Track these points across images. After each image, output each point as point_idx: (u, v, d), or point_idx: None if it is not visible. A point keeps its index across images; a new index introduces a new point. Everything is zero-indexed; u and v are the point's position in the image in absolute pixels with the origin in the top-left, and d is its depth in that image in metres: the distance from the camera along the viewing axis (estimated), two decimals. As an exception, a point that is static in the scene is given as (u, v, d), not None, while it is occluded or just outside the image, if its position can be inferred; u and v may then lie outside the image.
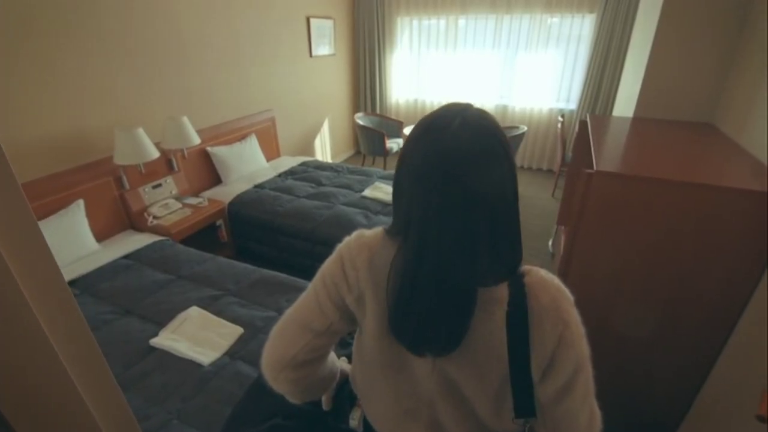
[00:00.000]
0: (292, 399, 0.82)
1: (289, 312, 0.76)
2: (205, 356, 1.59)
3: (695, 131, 1.85)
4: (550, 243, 3.30)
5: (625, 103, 2.56)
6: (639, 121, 2.09)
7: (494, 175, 0.59)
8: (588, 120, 2.02)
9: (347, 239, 0.75)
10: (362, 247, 0.71)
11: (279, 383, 0.75)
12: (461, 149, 0.57)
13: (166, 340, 1.67)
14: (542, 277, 0.65)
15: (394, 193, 0.70)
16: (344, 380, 1.01)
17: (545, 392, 0.64)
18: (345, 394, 1.07)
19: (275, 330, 0.76)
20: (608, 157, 1.51)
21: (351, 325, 0.77)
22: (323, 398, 1.00)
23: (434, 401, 0.72)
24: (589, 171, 1.40)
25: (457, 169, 0.57)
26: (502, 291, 0.63)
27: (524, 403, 0.66)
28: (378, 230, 0.74)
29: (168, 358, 1.60)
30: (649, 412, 1.65)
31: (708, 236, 1.28)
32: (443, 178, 0.58)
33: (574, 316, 0.63)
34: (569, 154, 4.24)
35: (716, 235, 1.27)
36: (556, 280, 0.65)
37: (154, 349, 1.65)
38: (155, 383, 1.50)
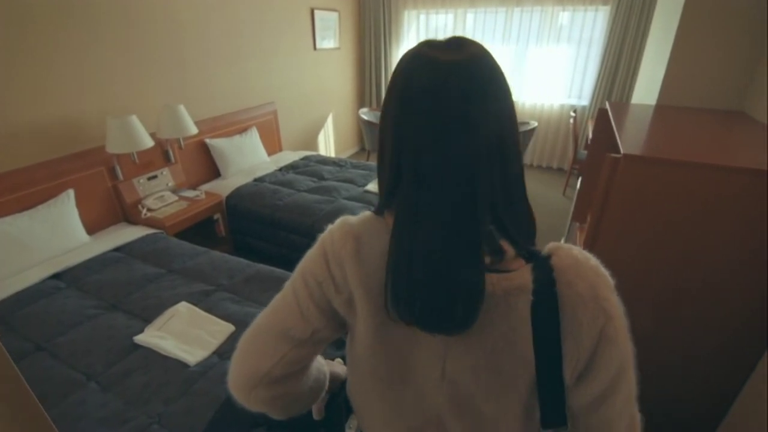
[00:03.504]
0: (274, 416, 0.67)
1: (261, 317, 0.62)
2: (192, 355, 1.47)
3: (725, 118, 1.71)
4: (562, 241, 3.15)
5: (644, 92, 2.42)
6: (663, 108, 1.95)
7: (501, 112, 0.48)
8: (608, 107, 1.88)
9: (330, 228, 0.60)
10: (346, 237, 0.57)
11: (252, 403, 0.61)
12: (466, 77, 0.46)
13: (152, 337, 1.55)
14: (575, 256, 0.51)
15: (380, 153, 0.56)
16: (340, 385, 0.89)
17: (580, 398, 0.52)
18: (340, 400, 0.94)
19: (244, 340, 0.61)
20: (635, 141, 1.37)
21: (339, 330, 0.63)
22: (314, 407, 0.88)
23: (443, 419, 0.59)
24: (615, 156, 1.26)
25: (460, 102, 0.46)
26: (524, 276, 0.50)
27: (554, 411, 0.53)
28: (365, 215, 0.60)
29: (152, 356, 1.48)
30: (678, 419, 1.51)
31: (748, 225, 1.14)
32: (443, 110, 0.46)
33: (617, 305, 0.51)
34: (582, 151, 4.09)
35: (757, 223, 1.13)
36: (592, 260, 0.53)
37: (138, 346, 1.53)
38: (137, 383, 1.38)
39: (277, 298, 0.63)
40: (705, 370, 1.39)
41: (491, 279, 0.50)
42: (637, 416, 0.55)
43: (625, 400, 0.52)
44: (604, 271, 0.52)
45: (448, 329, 0.51)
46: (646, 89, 2.39)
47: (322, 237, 0.61)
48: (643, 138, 1.48)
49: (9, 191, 2.03)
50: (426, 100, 0.47)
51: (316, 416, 0.89)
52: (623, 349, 0.51)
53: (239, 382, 0.60)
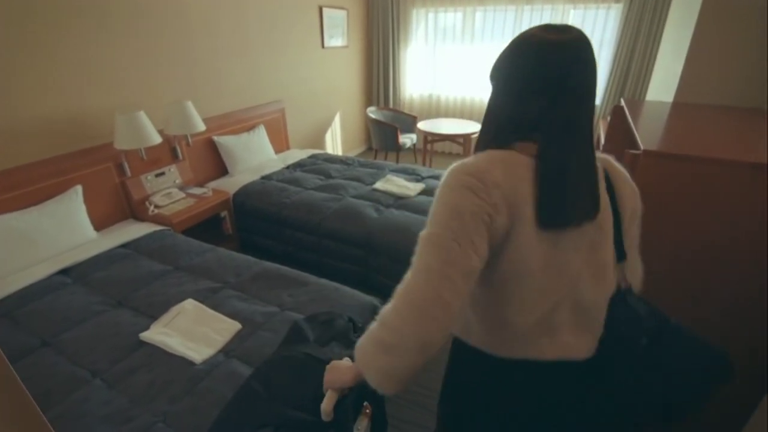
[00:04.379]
0: (398, 385, 0.68)
1: (421, 278, 0.66)
2: (198, 353, 1.45)
3: (744, 115, 1.66)
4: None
5: (660, 90, 2.36)
6: (680, 105, 1.89)
7: (593, 73, 0.72)
8: (624, 104, 1.84)
9: (454, 171, 0.70)
10: (492, 163, 0.71)
11: (431, 352, 0.65)
12: (587, 42, 0.70)
13: (157, 334, 1.53)
14: (604, 157, 0.84)
15: (505, 102, 0.75)
16: (349, 388, 0.86)
17: (628, 240, 0.81)
18: (349, 402, 0.92)
19: (420, 296, 0.65)
20: (654, 138, 1.33)
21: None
22: (323, 407, 0.85)
23: (581, 278, 0.76)
24: (635, 152, 1.22)
25: (587, 53, 0.70)
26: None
27: (619, 249, 0.80)
28: (481, 154, 0.74)
29: (157, 354, 1.46)
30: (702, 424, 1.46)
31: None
32: (582, 55, 0.69)
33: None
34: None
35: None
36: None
37: (143, 343, 1.51)
38: (142, 381, 1.35)
39: (431, 255, 0.66)
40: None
41: None
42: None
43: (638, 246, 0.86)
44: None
45: (593, 215, 0.73)
46: (662, 86, 2.34)
47: (451, 183, 0.69)
48: (661, 134, 1.44)
49: (17, 187, 2.02)
50: (568, 50, 0.68)
51: (325, 418, 0.86)
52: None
53: (433, 339, 0.64)
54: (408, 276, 0.68)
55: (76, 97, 2.25)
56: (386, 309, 0.68)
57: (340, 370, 0.85)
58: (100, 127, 2.37)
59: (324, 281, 1.86)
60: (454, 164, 0.72)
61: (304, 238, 2.59)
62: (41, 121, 2.12)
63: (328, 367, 0.88)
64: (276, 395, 1.09)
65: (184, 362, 1.42)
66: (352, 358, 0.79)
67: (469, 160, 0.72)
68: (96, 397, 1.30)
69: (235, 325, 1.58)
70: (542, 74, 0.69)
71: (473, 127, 4.22)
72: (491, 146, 0.74)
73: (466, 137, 4.18)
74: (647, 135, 1.35)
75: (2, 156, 1.98)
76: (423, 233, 0.70)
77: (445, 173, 0.72)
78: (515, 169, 0.70)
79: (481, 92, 4.99)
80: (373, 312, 1.69)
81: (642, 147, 1.19)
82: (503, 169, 0.70)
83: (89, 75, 2.29)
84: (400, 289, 0.68)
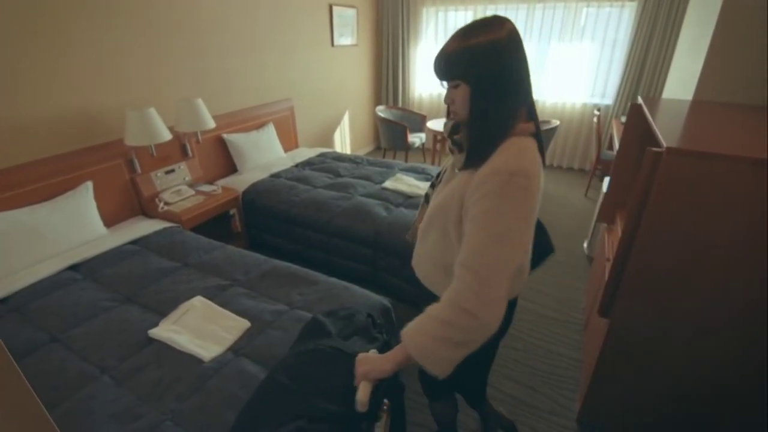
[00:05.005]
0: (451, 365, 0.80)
1: (494, 279, 0.77)
2: (207, 351, 1.43)
3: (765, 113, 1.61)
4: (585, 245, 3.05)
5: (678, 88, 2.31)
6: (700, 103, 1.84)
7: None
8: (642, 102, 1.79)
9: (502, 173, 0.81)
10: (528, 157, 0.84)
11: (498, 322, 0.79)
12: None
13: (166, 331, 1.52)
14: None
15: (509, 98, 0.85)
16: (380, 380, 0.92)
17: None
18: (380, 393, 0.92)
19: (489, 303, 0.77)
20: (675, 136, 1.28)
21: None
22: (359, 397, 0.86)
23: None
24: (657, 150, 1.18)
25: None
26: None
27: None
28: (514, 150, 0.84)
29: (166, 351, 1.45)
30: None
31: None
32: None
33: None
34: (606, 151, 3.97)
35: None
36: None
37: (152, 340, 1.50)
38: (150, 379, 1.34)
39: (501, 255, 0.79)
40: (752, 382, 1.30)
41: None
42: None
43: None
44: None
45: None
46: (680, 84, 2.28)
47: (519, 182, 0.79)
48: (683, 132, 1.39)
49: (28, 182, 2.03)
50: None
51: (361, 408, 0.86)
52: None
53: (500, 320, 0.79)
54: (471, 275, 0.78)
55: (87, 94, 2.25)
56: (451, 308, 0.78)
57: (376, 361, 0.90)
58: (111, 124, 2.37)
59: (333, 280, 1.84)
60: (498, 165, 0.82)
61: (312, 237, 2.57)
62: (52, 118, 2.12)
63: (359, 359, 0.94)
64: (307, 388, 1.07)
65: (193, 360, 1.40)
66: (380, 351, 0.95)
67: (511, 159, 0.81)
68: (104, 394, 1.29)
69: (244, 323, 1.56)
70: (525, 60, 0.85)
71: (483, 127, 4.17)
72: (500, 139, 0.85)
73: (476, 137, 4.14)
74: (668, 133, 1.31)
75: (14, 152, 1.99)
76: (488, 233, 0.79)
77: (488, 174, 0.81)
78: (535, 155, 0.86)
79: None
80: (384, 311, 1.66)
81: (665, 144, 1.15)
82: (532, 159, 0.84)
83: (100, 71, 2.29)
84: (465, 287, 0.78)
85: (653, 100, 1.95)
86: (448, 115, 0.98)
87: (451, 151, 0.96)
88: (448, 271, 0.92)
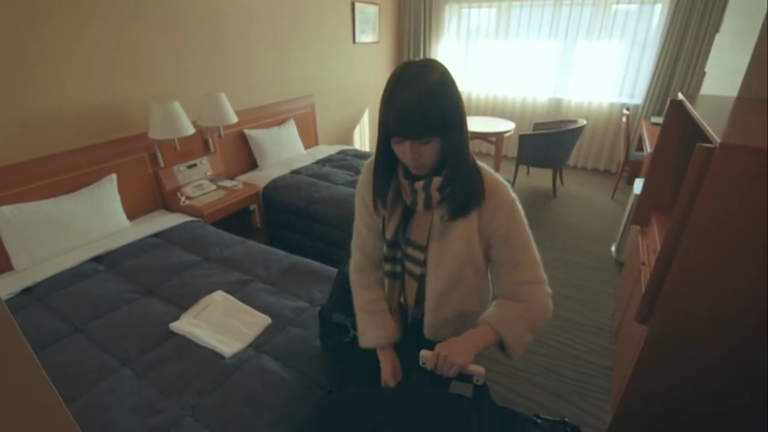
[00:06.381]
0: None
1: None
2: (228, 346, 1.40)
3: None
4: (613, 248, 2.93)
5: (718, 85, 2.19)
6: (745, 99, 1.74)
7: None
8: (683, 98, 1.70)
9: (510, 191, 0.94)
10: None
11: None
12: None
13: (187, 325, 1.50)
14: None
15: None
16: None
17: None
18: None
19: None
20: (730, 131, 1.20)
21: None
22: (482, 371, 0.88)
23: None
24: (708, 145, 1.10)
25: None
26: None
27: None
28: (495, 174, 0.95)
29: (187, 345, 1.43)
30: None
31: None
32: None
33: None
34: (635, 152, 3.84)
35: None
36: None
37: (173, 334, 1.48)
38: (171, 373, 1.32)
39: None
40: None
41: None
42: None
43: None
44: None
45: None
46: (720, 81, 2.17)
47: (507, 185, 0.94)
48: (731, 129, 1.30)
49: (54, 174, 2.04)
50: None
51: (480, 380, 0.88)
52: None
53: None
54: (543, 284, 0.96)
55: (112, 87, 2.26)
56: (546, 312, 0.98)
57: (468, 351, 0.89)
58: (135, 118, 2.39)
59: (355, 278, 1.80)
60: (506, 185, 0.93)
61: (333, 234, 2.54)
62: (79, 110, 2.14)
63: (445, 347, 0.89)
64: None
65: (214, 355, 1.38)
66: None
67: (491, 173, 0.93)
68: (124, 386, 1.27)
69: (264, 319, 1.53)
70: None
71: (506, 126, 4.08)
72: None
73: (499, 136, 4.05)
74: (716, 129, 1.22)
75: (40, 143, 2.00)
76: (529, 241, 0.94)
77: (506, 193, 0.92)
78: None
79: (515, 90, 4.84)
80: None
81: (718, 140, 1.07)
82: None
83: (125, 66, 2.30)
84: (545, 294, 0.97)
85: (692, 96, 1.85)
86: (407, 175, 0.93)
87: (426, 207, 0.92)
88: (470, 318, 1.03)
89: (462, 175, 0.89)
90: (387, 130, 0.84)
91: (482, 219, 0.92)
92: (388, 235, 0.99)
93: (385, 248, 1.02)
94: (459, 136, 0.85)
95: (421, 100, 0.78)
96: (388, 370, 1.04)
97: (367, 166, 1.03)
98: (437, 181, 0.89)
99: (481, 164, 0.93)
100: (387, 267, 1.04)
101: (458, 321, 1.05)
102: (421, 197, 0.91)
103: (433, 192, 0.89)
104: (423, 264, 0.99)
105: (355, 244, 1.11)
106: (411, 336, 1.11)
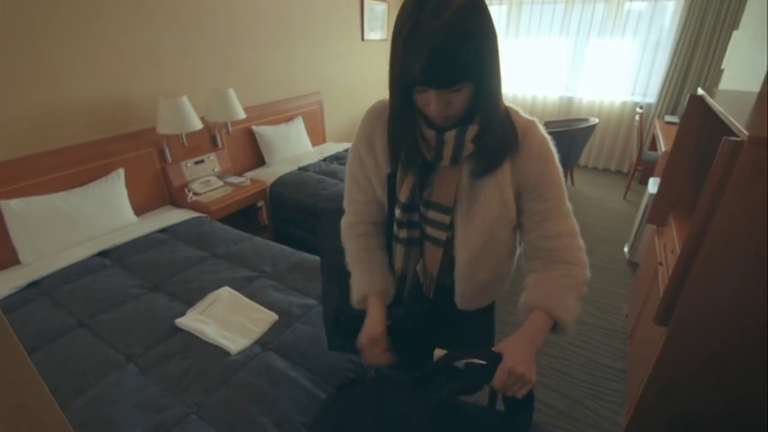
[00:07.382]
0: None
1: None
2: (234, 343, 1.38)
3: None
4: (626, 249, 2.87)
5: (736, 81, 2.14)
6: (770, 95, 1.68)
7: None
8: (704, 93, 1.64)
9: (536, 121, 0.83)
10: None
11: None
12: None
13: (193, 321, 1.48)
14: None
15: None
16: None
17: None
18: None
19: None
20: (758, 124, 1.15)
21: None
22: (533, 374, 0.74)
23: None
24: (735, 139, 1.05)
25: None
26: None
27: None
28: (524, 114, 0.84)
29: (193, 341, 1.40)
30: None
31: None
32: None
33: None
34: (647, 152, 3.77)
35: None
36: None
37: (179, 330, 1.46)
38: (176, 369, 1.30)
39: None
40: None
41: None
42: None
43: None
44: None
45: None
46: (741, 78, 2.11)
47: (540, 126, 0.82)
48: (761, 122, 1.25)
49: (63, 167, 2.03)
50: None
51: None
52: None
53: None
54: (577, 237, 0.84)
55: (120, 82, 2.25)
56: (583, 268, 0.83)
57: (530, 360, 0.72)
58: (143, 113, 2.37)
59: (363, 275, 1.76)
60: (536, 124, 0.81)
61: (340, 231, 2.51)
62: (87, 105, 2.13)
63: (511, 362, 0.71)
64: None
65: (219, 352, 1.35)
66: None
67: (521, 116, 0.81)
68: (129, 382, 1.25)
69: (271, 316, 1.51)
70: None
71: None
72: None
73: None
74: (743, 123, 1.17)
75: (48, 137, 2.00)
76: (561, 182, 0.82)
77: (537, 133, 0.79)
78: None
79: (525, 88, 4.78)
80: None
81: (746, 133, 1.02)
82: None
83: (133, 60, 2.28)
84: (579, 248, 0.83)
85: (712, 91, 1.80)
86: (429, 125, 0.78)
87: (454, 161, 0.79)
88: (500, 279, 0.96)
89: (497, 124, 0.76)
90: (407, 78, 0.68)
91: (514, 167, 0.80)
92: (403, 197, 0.84)
93: (398, 212, 0.87)
94: (495, 78, 0.73)
95: (452, 36, 0.62)
96: (370, 326, 0.88)
97: (367, 120, 0.88)
98: (473, 129, 0.74)
99: (508, 104, 0.81)
100: (402, 234, 0.88)
101: (491, 285, 0.95)
102: (449, 150, 0.77)
103: (467, 143, 0.76)
104: (449, 227, 0.86)
105: (348, 209, 0.98)
106: (425, 312, 1.00)
